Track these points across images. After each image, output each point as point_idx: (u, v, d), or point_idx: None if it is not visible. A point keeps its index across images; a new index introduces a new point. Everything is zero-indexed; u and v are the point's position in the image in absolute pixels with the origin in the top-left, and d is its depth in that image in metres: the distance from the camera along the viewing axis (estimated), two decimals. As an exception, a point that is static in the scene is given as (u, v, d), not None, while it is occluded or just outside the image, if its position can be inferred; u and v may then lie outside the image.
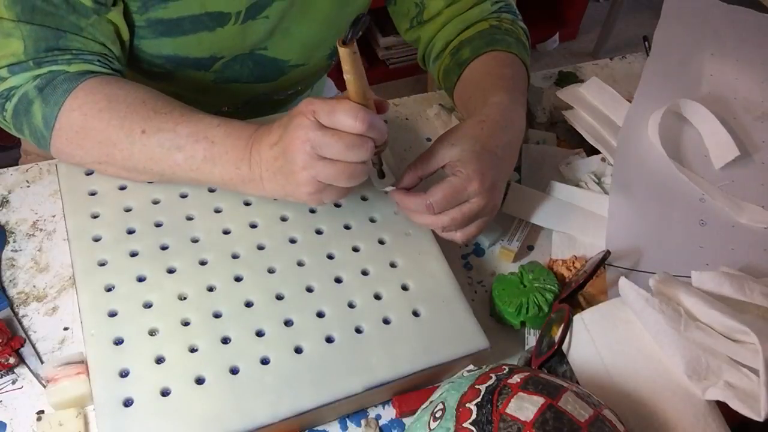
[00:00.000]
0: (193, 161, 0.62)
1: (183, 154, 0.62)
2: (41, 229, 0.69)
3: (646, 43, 1.00)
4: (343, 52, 0.53)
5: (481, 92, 0.72)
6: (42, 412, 0.58)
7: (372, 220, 0.69)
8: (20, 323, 0.62)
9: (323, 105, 0.56)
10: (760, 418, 0.52)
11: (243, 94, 0.84)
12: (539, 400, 0.47)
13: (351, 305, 0.62)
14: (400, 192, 0.65)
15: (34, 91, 0.63)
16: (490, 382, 0.49)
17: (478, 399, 0.48)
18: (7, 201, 0.71)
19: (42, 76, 0.63)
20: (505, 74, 0.73)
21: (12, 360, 0.59)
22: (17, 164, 0.77)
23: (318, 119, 0.56)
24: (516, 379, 0.49)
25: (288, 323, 0.60)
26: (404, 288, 0.64)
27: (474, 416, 0.47)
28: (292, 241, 0.65)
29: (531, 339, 0.66)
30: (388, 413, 0.62)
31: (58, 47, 0.63)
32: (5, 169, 0.74)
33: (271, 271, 0.63)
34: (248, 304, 0.60)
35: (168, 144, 0.62)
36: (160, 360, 0.56)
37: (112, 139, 0.63)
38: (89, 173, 0.67)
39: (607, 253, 0.68)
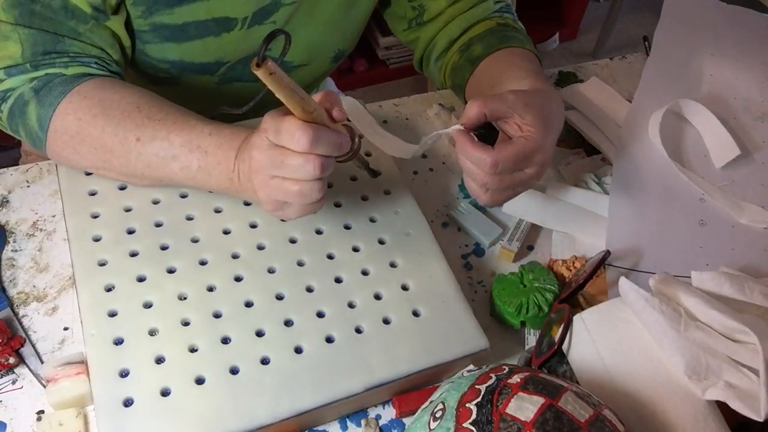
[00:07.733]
0: (189, 171, 0.62)
1: (178, 163, 0.62)
2: (41, 229, 0.69)
3: (646, 43, 1.00)
4: (259, 73, 0.48)
5: (507, 79, 0.69)
6: (42, 412, 0.58)
7: (372, 220, 0.69)
8: (20, 323, 0.62)
9: (271, 123, 0.54)
10: (760, 418, 0.52)
11: (244, 94, 0.84)
12: (539, 400, 0.47)
13: (351, 305, 0.62)
14: (467, 138, 0.59)
15: (30, 92, 0.63)
16: (490, 382, 0.49)
17: (478, 399, 0.48)
18: (7, 201, 0.71)
19: (39, 78, 0.63)
20: (531, 67, 0.72)
21: (12, 360, 0.59)
22: (17, 164, 0.77)
23: (269, 138, 0.55)
24: (516, 379, 0.49)
25: (288, 323, 0.60)
26: (404, 288, 0.64)
27: (474, 416, 0.46)
28: (292, 241, 0.65)
29: (531, 339, 0.66)
30: (388, 413, 0.62)
31: (55, 51, 0.63)
32: (5, 169, 0.74)
33: (271, 271, 0.63)
34: (248, 304, 0.60)
35: (163, 153, 0.62)
36: (160, 360, 0.56)
37: (108, 147, 0.62)
38: (89, 173, 0.67)
39: (607, 253, 0.68)
